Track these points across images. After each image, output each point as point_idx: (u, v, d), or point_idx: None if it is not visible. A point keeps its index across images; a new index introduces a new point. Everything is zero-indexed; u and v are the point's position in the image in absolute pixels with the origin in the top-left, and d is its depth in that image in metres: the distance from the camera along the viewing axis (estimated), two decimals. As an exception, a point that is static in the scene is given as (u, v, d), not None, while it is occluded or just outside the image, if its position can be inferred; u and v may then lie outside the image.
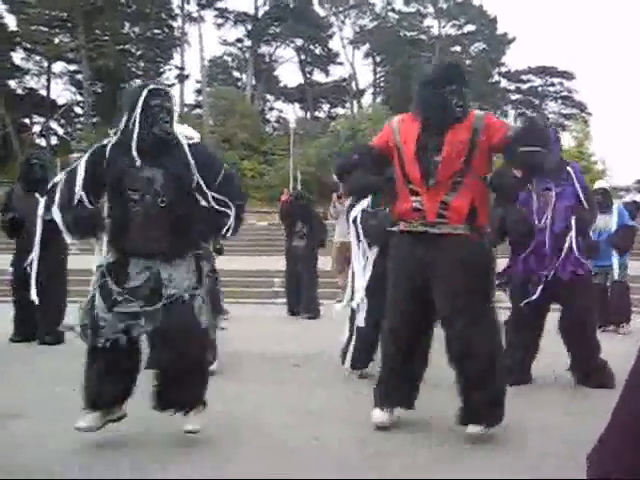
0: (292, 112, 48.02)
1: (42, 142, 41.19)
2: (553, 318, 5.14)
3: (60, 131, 43.96)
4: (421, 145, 3.68)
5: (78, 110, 43.12)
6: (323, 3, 46.94)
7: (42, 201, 6.72)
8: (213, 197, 3.53)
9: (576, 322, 4.96)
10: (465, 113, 3.70)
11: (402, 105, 40.70)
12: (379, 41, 46.02)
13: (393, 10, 47.26)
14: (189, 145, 3.59)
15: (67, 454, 3.40)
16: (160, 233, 3.43)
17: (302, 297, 9.41)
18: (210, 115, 40.67)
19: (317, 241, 9.63)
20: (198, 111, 44.25)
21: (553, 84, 49.56)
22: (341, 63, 48.47)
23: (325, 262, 10.35)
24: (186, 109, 45.15)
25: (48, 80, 41.91)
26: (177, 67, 45.23)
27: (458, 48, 47.41)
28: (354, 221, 5.14)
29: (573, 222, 4.91)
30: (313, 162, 32.39)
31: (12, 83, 40.74)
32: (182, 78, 45.36)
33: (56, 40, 40.27)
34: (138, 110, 3.45)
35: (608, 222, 7.55)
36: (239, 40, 47.63)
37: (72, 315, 3.65)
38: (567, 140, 32.48)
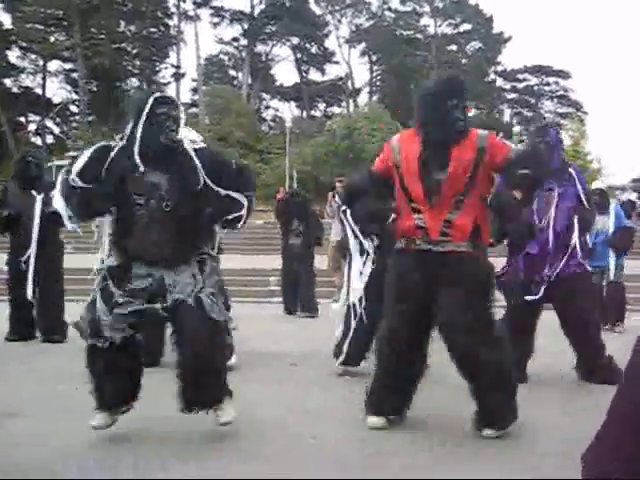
0: (288, 111, 48.08)
1: (38, 141, 41.06)
2: (553, 318, 5.16)
3: (56, 130, 43.81)
4: (424, 162, 3.67)
5: (74, 109, 43.01)
6: (319, 2, 46.87)
7: (39, 198, 6.73)
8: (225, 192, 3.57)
9: (579, 322, 4.99)
10: (466, 126, 3.70)
11: (398, 104, 40.82)
12: (375, 40, 45.98)
13: (389, 9, 47.22)
14: (195, 150, 3.62)
15: (65, 453, 3.39)
16: (164, 238, 3.46)
17: (299, 296, 9.40)
18: (206, 114, 40.60)
19: (313, 238, 9.62)
20: (194, 110, 44.15)
21: (549, 83, 49.59)
22: (337, 62, 48.45)
23: (321, 261, 10.35)
24: (182, 108, 45.05)
25: (43, 78, 41.76)
26: (173, 66, 45.15)
27: (454, 47, 47.42)
28: (344, 212, 5.14)
29: (576, 222, 4.95)
30: (309, 161, 32.32)
31: (7, 82, 40.57)
32: (178, 77, 45.28)
33: (52, 38, 40.10)
34: (143, 117, 3.50)
35: (605, 223, 7.59)
36: (235, 39, 47.57)
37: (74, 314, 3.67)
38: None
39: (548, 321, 5.20)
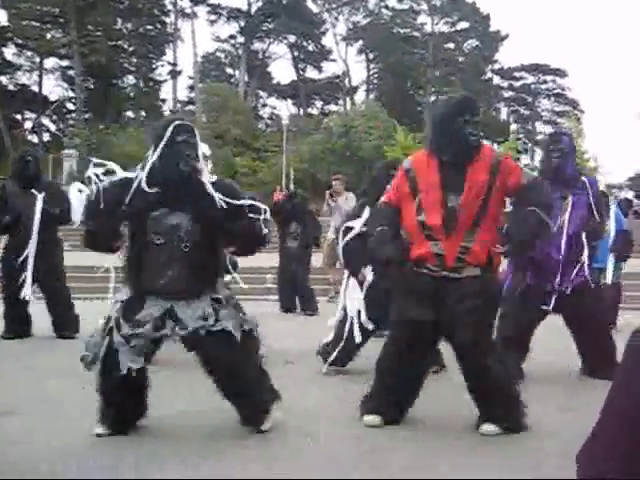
0: (285, 109, 48.02)
1: (34, 138, 40.98)
2: (554, 318, 5.15)
3: (52, 127, 43.75)
4: (444, 189, 3.66)
5: (70, 106, 42.85)
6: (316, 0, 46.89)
7: (40, 197, 6.72)
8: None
9: (589, 325, 5.00)
10: (480, 141, 3.72)
11: (395, 102, 40.73)
12: (372, 38, 45.94)
13: (386, 7, 47.18)
14: (212, 183, 3.64)
15: (60, 452, 3.37)
16: (180, 274, 3.50)
17: (299, 295, 9.41)
18: (203, 111, 40.50)
19: (311, 239, 9.61)
20: (191, 107, 44.10)
21: (546, 81, 49.64)
22: (334, 60, 48.42)
23: (316, 259, 10.34)
24: (179, 105, 45.04)
25: (40, 76, 41.66)
26: (170, 63, 45.08)
27: (451, 45, 47.39)
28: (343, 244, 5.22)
29: (585, 233, 4.95)
30: (306, 159, 32.28)
31: (3, 79, 40.50)
32: (175, 74, 45.23)
33: (48, 36, 40.00)
34: (162, 144, 3.54)
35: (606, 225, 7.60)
36: (232, 36, 47.53)
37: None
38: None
39: (550, 318, 5.19)
